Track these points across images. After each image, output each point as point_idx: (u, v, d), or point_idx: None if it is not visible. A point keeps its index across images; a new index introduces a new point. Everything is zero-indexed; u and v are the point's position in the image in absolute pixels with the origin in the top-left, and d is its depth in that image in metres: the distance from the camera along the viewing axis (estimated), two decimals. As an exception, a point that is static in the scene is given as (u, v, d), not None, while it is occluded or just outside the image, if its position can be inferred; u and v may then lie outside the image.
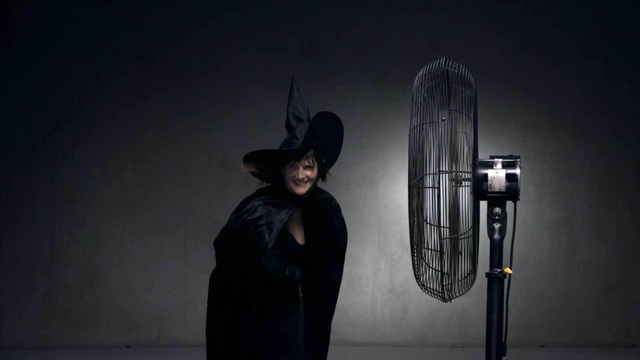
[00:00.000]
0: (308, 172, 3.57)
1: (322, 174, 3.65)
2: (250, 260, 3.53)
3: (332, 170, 3.70)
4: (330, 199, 3.74)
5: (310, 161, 3.56)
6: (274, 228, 3.55)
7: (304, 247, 3.63)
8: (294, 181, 3.56)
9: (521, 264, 8.09)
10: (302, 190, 3.58)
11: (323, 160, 3.60)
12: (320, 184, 3.71)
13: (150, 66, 8.14)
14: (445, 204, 3.07)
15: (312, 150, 3.55)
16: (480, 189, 3.11)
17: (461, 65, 3.13)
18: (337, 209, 3.75)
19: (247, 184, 8.03)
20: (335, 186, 7.58)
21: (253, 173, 3.66)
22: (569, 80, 8.27)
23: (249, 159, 3.58)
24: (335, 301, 3.74)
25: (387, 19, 8.26)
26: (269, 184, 3.69)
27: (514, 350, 7.61)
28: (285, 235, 3.62)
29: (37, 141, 8.05)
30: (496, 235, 3.13)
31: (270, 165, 3.63)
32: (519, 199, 3.13)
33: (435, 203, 3.07)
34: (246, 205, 3.61)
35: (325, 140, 3.58)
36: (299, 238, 3.65)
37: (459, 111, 3.08)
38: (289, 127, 3.60)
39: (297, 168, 3.55)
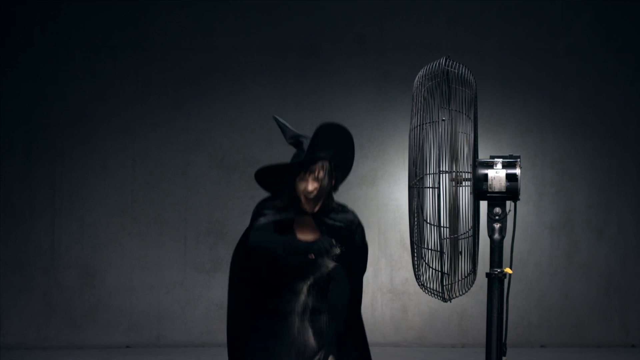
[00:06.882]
0: (316, 184, 3.38)
1: (334, 187, 3.46)
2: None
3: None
4: (353, 214, 3.56)
5: (320, 173, 3.39)
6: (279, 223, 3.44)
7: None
8: (305, 195, 3.40)
9: (521, 264, 8.08)
10: (311, 207, 3.42)
11: (334, 174, 3.42)
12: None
13: (150, 66, 8.13)
14: (445, 204, 3.07)
15: (321, 162, 3.38)
16: (480, 189, 3.11)
17: (461, 65, 3.13)
18: (359, 224, 3.57)
19: (246, 183, 8.07)
20: (335, 186, 7.57)
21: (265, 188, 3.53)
22: (569, 80, 8.26)
23: (260, 176, 3.43)
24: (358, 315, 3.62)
25: (387, 19, 8.25)
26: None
27: (514, 350, 7.60)
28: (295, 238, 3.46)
29: (37, 141, 8.05)
30: (496, 235, 3.13)
31: (282, 181, 3.46)
32: (519, 199, 3.13)
33: (435, 203, 3.06)
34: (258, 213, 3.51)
35: (333, 151, 3.39)
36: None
37: (459, 111, 3.08)
38: (295, 144, 3.47)
39: (307, 180, 3.39)
